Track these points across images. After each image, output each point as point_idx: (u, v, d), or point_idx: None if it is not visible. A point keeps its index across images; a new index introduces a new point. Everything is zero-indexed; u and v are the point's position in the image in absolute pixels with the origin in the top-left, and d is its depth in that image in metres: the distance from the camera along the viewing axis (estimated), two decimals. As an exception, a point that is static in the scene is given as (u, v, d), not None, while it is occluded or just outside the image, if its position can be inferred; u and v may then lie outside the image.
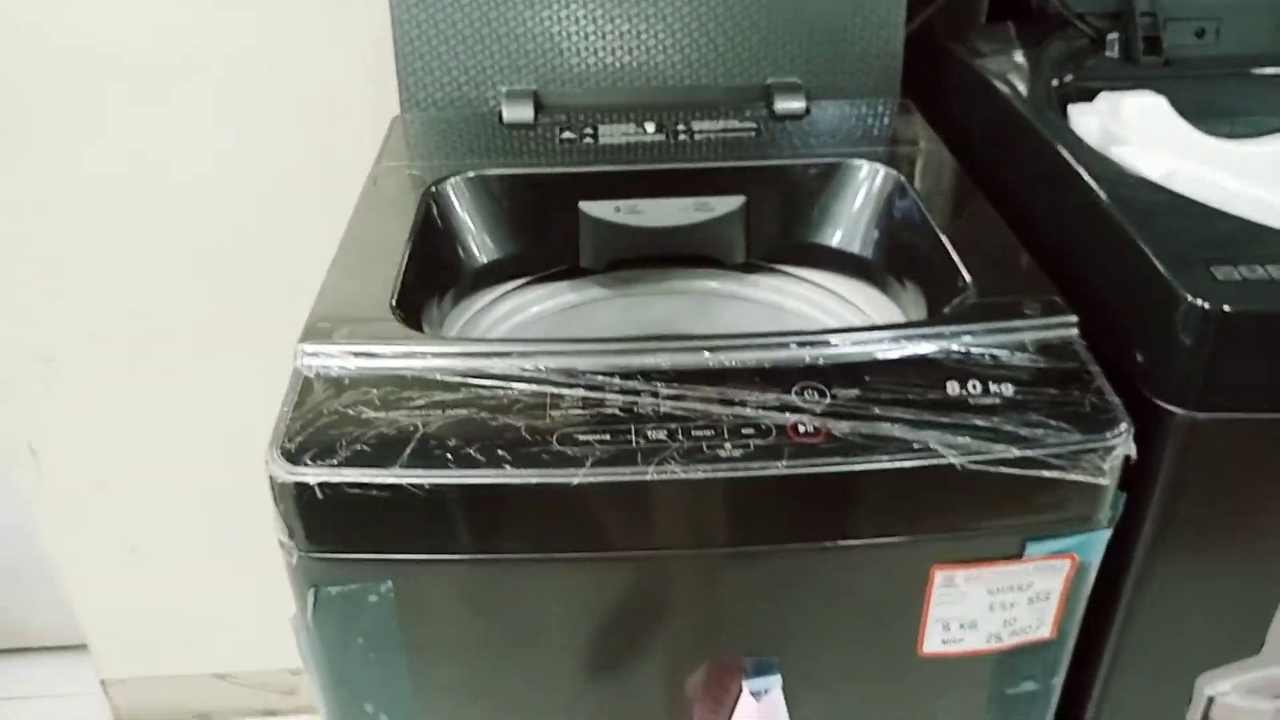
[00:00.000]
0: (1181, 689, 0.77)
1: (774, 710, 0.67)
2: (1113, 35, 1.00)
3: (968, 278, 0.72)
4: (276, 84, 1.10)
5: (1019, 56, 1.02)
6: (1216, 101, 0.95)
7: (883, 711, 0.72)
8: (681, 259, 0.95)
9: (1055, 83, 0.95)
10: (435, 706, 0.69)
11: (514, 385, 0.63)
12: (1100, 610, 0.71)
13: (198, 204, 1.15)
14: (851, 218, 0.89)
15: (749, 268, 0.95)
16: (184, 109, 1.10)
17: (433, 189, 0.85)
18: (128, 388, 1.25)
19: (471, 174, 0.88)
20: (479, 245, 0.88)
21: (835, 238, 0.90)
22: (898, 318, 0.84)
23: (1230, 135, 0.88)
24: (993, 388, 0.62)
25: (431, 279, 0.82)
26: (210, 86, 1.10)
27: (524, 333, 0.94)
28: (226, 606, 1.40)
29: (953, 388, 0.62)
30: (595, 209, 0.89)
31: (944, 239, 0.78)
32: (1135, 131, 0.85)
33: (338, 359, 0.65)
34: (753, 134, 0.95)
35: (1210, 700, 0.78)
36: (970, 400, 0.62)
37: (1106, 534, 0.65)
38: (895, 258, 0.86)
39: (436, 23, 0.99)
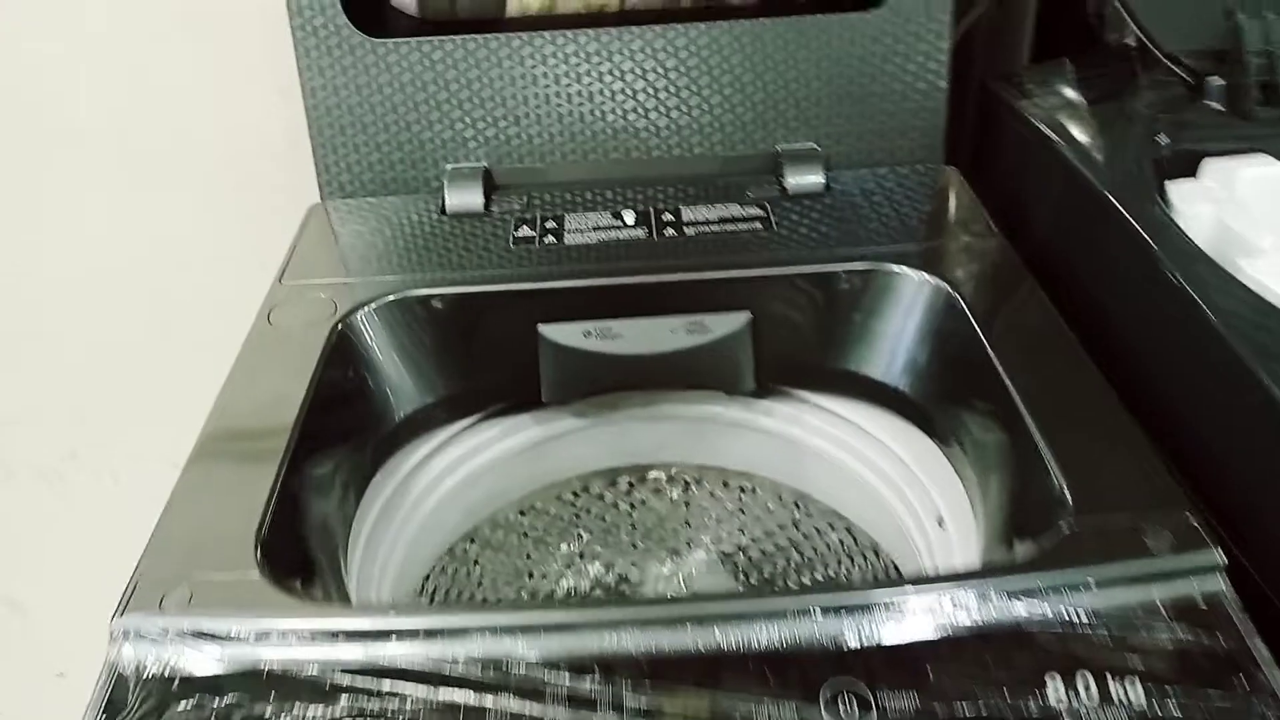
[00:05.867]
0: None
1: None
2: (1215, 79, 0.78)
3: (1053, 464, 0.52)
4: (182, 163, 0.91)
5: (1090, 110, 0.80)
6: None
7: None
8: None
9: (1144, 147, 0.74)
10: None
11: (412, 689, 0.43)
12: None
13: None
14: (887, 341, 0.69)
15: (760, 390, 0.75)
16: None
17: (339, 326, 0.65)
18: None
19: (392, 297, 0.68)
20: (406, 389, 0.68)
21: (866, 365, 0.70)
22: (950, 479, 0.64)
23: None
24: (1114, 689, 0.42)
25: (341, 446, 0.62)
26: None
27: (476, 483, 0.74)
28: None
29: (1055, 690, 0.43)
30: (558, 333, 0.70)
31: (1011, 389, 0.58)
32: (1265, 226, 0.64)
33: (167, 645, 0.45)
34: (759, 224, 0.75)
35: None
36: (1082, 715, 0.42)
37: None
38: (944, 399, 0.66)
39: (359, 88, 0.79)
